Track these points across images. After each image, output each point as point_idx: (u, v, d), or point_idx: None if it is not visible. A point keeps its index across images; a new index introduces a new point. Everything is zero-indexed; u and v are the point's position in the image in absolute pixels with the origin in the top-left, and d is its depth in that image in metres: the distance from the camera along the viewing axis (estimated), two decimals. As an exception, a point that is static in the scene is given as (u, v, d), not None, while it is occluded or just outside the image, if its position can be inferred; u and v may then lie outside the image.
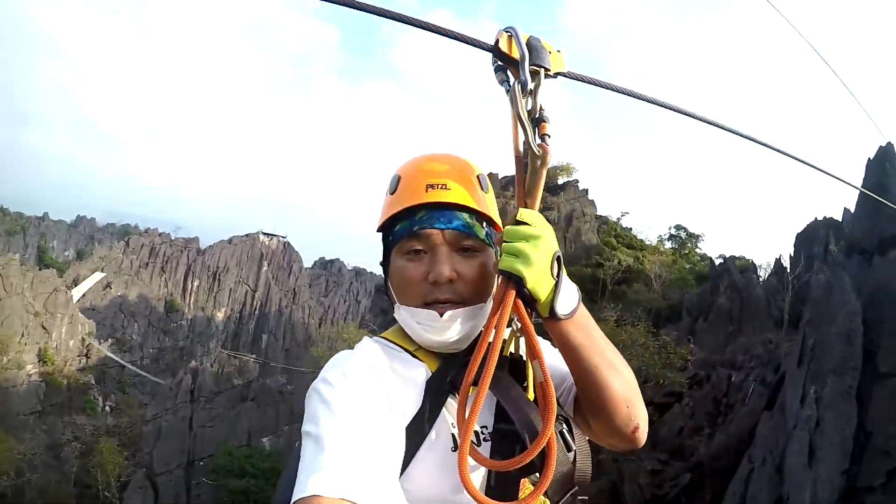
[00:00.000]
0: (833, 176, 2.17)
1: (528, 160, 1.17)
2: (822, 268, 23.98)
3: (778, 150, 1.81)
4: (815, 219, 31.08)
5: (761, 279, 31.36)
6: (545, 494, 1.10)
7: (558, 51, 1.18)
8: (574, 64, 1.23)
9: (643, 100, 1.40)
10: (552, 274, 1.12)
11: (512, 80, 1.14)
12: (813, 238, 30.05)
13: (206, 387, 44.81)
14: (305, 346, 70.12)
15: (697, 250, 42.06)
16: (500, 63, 1.15)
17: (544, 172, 1.17)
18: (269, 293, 71.47)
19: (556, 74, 1.16)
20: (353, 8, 1.02)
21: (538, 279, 1.11)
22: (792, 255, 30.65)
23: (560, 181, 42.64)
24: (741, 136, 1.68)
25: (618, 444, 1.30)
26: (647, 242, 41.26)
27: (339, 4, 1.03)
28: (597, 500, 19.83)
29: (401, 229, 1.28)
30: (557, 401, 1.16)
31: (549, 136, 1.15)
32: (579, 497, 1.20)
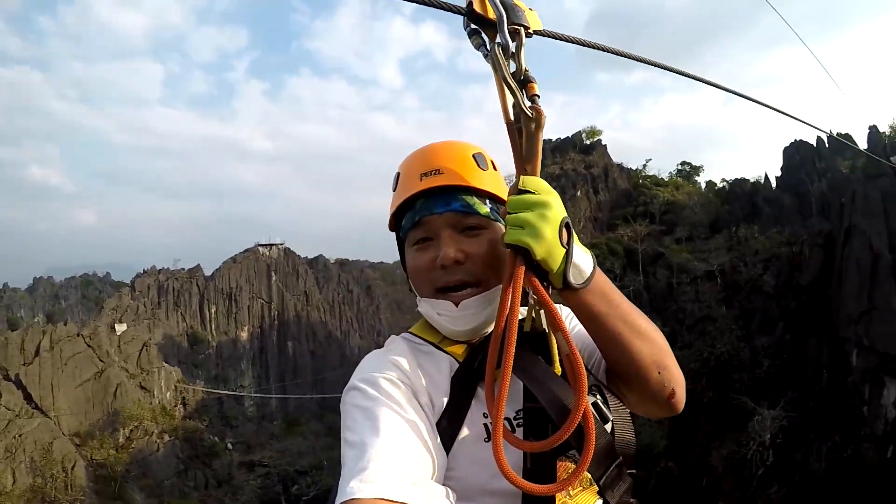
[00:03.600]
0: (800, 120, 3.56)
1: (522, 125, 1.20)
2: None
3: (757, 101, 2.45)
4: (796, 139, 48.36)
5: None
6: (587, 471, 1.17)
7: (530, 9, 1.23)
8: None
9: (622, 55, 1.49)
10: (562, 242, 1.17)
11: (490, 43, 1.18)
12: (795, 153, 47.23)
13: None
14: (329, 345, 79.46)
15: (697, 179, 58.81)
16: (473, 27, 1.19)
17: (540, 135, 1.20)
18: (284, 302, 77.98)
19: (534, 33, 1.21)
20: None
21: (547, 249, 1.15)
22: (782, 167, 47.81)
23: (587, 143, 57.43)
24: (723, 88, 2.28)
25: (654, 411, 1.36)
26: (665, 179, 57.39)
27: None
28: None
29: (406, 223, 1.42)
30: (589, 370, 1.29)
31: (539, 97, 1.18)
32: (627, 470, 1.29)
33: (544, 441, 1.13)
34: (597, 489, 1.26)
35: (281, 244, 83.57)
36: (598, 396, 1.29)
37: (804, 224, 39.38)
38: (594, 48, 1.55)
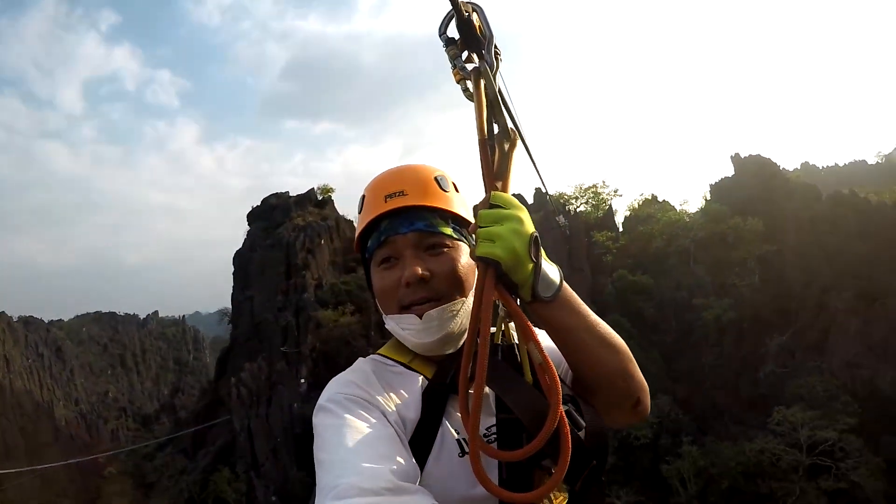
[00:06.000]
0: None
1: (496, 142, 1.33)
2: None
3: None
4: (474, 197, 68.14)
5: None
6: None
7: None
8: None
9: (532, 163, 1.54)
10: (530, 256, 1.25)
11: (467, 59, 1.31)
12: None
13: None
14: (38, 418, 72.30)
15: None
16: (449, 37, 1.29)
17: (513, 155, 1.35)
18: (-21, 369, 66.77)
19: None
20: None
21: (516, 262, 1.24)
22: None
23: (320, 198, 69.72)
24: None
25: (620, 418, 1.48)
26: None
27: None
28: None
29: (371, 243, 1.51)
30: (561, 379, 1.29)
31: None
32: (600, 473, 1.33)
33: (521, 450, 1.19)
34: (568, 495, 1.32)
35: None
36: (570, 404, 1.32)
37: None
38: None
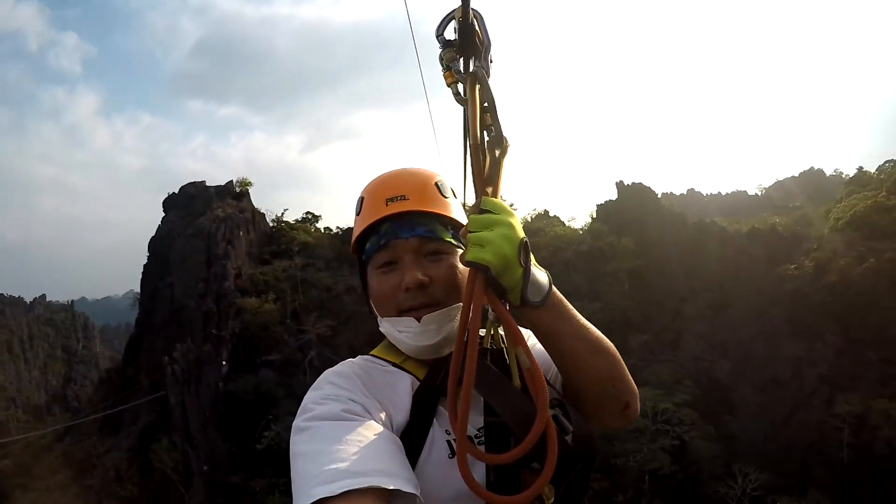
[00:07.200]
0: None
1: (486, 147, 1.35)
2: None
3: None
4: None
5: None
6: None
7: None
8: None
9: None
10: (520, 261, 1.27)
11: (464, 64, 1.36)
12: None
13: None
14: None
15: (317, 224, 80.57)
16: (447, 39, 1.33)
17: (504, 161, 1.37)
18: None
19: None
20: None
21: (506, 267, 1.25)
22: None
23: (238, 190, 74.53)
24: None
25: (609, 422, 1.48)
26: (298, 223, 77.67)
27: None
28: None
29: (370, 246, 1.52)
30: (549, 383, 1.34)
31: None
32: (586, 478, 1.35)
33: (507, 454, 1.20)
34: (554, 497, 1.30)
35: None
36: (558, 409, 1.33)
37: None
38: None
